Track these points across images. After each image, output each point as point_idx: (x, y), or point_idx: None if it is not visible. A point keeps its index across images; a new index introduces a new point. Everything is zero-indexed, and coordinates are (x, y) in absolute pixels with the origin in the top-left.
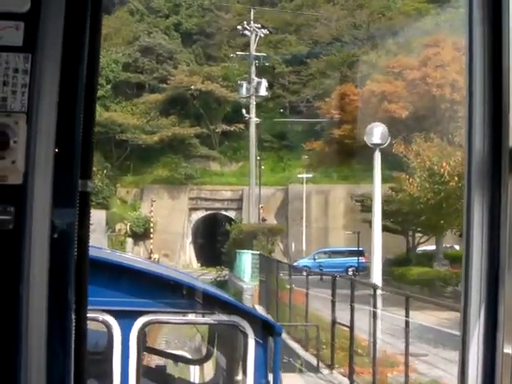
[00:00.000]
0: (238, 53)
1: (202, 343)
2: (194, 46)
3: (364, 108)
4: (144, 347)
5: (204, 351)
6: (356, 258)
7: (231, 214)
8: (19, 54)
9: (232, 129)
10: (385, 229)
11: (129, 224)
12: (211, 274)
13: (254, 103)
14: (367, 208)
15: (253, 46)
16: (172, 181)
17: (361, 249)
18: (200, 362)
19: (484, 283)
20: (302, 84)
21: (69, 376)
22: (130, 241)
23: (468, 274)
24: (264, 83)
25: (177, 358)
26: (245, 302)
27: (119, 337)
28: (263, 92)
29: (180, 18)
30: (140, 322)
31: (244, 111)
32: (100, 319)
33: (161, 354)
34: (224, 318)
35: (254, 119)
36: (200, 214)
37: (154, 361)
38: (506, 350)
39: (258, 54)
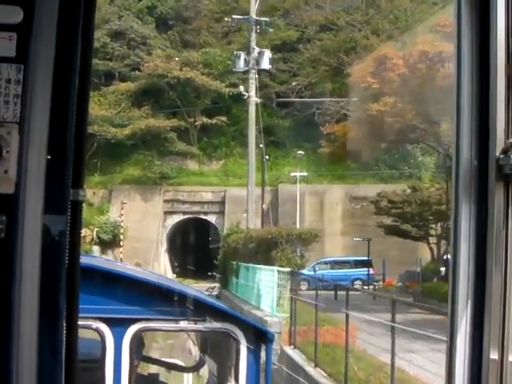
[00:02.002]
0: (234, 16)
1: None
2: (170, 32)
3: (415, 75)
4: (140, 355)
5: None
6: (362, 269)
7: (211, 219)
8: (12, 65)
9: (214, 121)
10: (401, 234)
11: (95, 230)
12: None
13: (255, 77)
14: (382, 210)
15: (254, 7)
16: (145, 181)
17: (369, 258)
18: (193, 369)
19: (471, 290)
20: (292, 73)
21: (60, 382)
22: (96, 249)
23: (455, 281)
24: (267, 54)
25: (170, 366)
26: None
27: (112, 344)
28: (266, 65)
29: (154, 1)
30: (133, 329)
31: (242, 88)
32: (93, 327)
33: (154, 362)
34: (217, 325)
35: (253, 99)
36: (176, 218)
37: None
38: (492, 356)
39: (259, 18)
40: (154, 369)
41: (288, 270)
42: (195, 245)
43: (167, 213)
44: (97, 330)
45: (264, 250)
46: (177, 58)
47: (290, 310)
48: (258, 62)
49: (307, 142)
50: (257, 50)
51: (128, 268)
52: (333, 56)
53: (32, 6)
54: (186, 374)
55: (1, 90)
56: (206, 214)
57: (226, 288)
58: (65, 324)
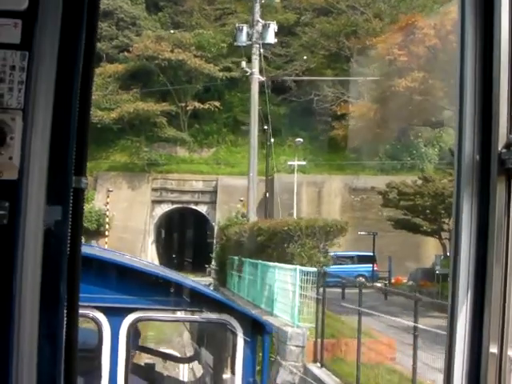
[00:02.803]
0: None
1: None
2: (161, 14)
3: (447, 47)
4: (136, 345)
5: (192, 349)
6: (366, 266)
7: (202, 209)
8: (16, 52)
9: (206, 107)
10: (411, 228)
11: None
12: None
13: (260, 52)
14: (391, 202)
15: None
16: (132, 168)
17: (373, 254)
18: (189, 360)
19: (471, 285)
20: (289, 57)
21: (59, 371)
22: None
23: (456, 275)
24: (273, 27)
25: (166, 357)
26: (288, 356)
27: (109, 333)
28: (271, 38)
29: None
30: (130, 318)
31: (244, 64)
32: (90, 316)
33: (150, 352)
34: (214, 316)
35: (256, 75)
36: (165, 207)
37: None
38: (491, 350)
39: None
40: (150, 359)
41: (314, 269)
42: (184, 236)
43: (155, 202)
44: (94, 319)
45: (277, 245)
46: (171, 32)
47: (315, 319)
48: (262, 36)
49: (304, 130)
50: (261, 22)
51: (126, 258)
52: (333, 40)
53: None
54: (181, 365)
55: (5, 76)
56: (196, 203)
57: (224, 286)
58: (65, 312)
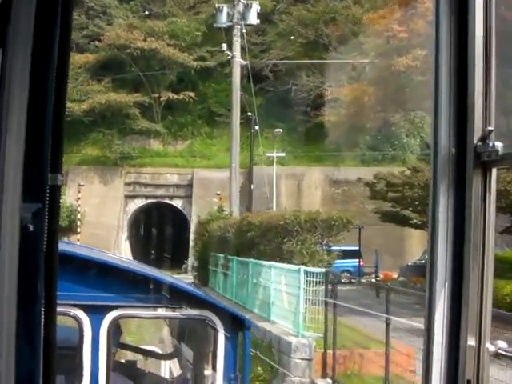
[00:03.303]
0: None
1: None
2: (133, 3)
3: None
4: (117, 343)
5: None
6: (351, 261)
7: (177, 203)
8: None
9: (180, 97)
10: (400, 221)
11: None
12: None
13: (241, 33)
14: (378, 194)
15: None
16: (104, 161)
17: (358, 248)
18: (170, 356)
19: (448, 278)
20: (265, 45)
21: (38, 370)
22: None
23: (433, 268)
24: (255, 7)
25: (147, 353)
26: (292, 370)
27: (89, 331)
28: (253, 19)
29: None
30: (110, 316)
31: (224, 46)
32: (71, 314)
33: (131, 349)
34: (194, 312)
35: (238, 59)
36: (139, 202)
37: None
38: (469, 343)
39: None
40: (130, 356)
41: (320, 270)
42: (159, 232)
43: (128, 197)
44: (74, 317)
45: (271, 241)
46: (144, 19)
47: (324, 327)
48: (244, 16)
49: (281, 122)
50: (243, 2)
51: (106, 255)
52: (311, 28)
53: None
54: (162, 362)
55: None
56: (171, 198)
57: (206, 285)
58: (43, 311)
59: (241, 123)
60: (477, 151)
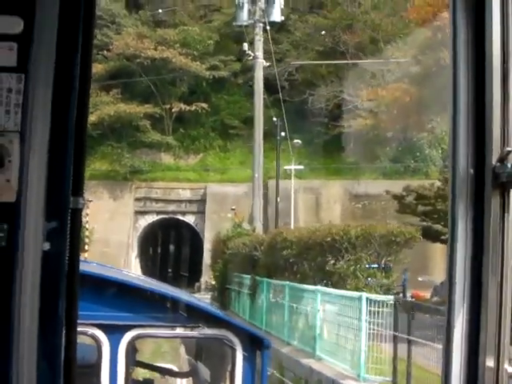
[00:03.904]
0: None
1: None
2: (142, 12)
3: None
4: (134, 361)
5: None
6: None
7: (190, 220)
8: (12, 75)
9: (193, 108)
10: (432, 236)
11: None
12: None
13: (263, 32)
14: (408, 207)
15: None
16: (113, 176)
17: (388, 265)
18: (188, 375)
19: (467, 298)
20: (281, 54)
21: None
22: None
23: (451, 289)
24: (279, 2)
25: (164, 372)
26: None
27: (108, 351)
28: (277, 16)
29: None
30: (129, 335)
31: (246, 46)
32: (89, 333)
33: (148, 367)
34: (212, 331)
35: (260, 60)
36: (149, 218)
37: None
38: (488, 364)
39: None
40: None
41: (388, 297)
42: (170, 250)
43: (139, 212)
44: (93, 337)
45: (313, 261)
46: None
47: (392, 369)
48: (266, 13)
49: (298, 133)
50: None
51: (124, 274)
52: (328, 35)
53: (32, 16)
54: (179, 380)
55: (2, 99)
56: (183, 214)
57: (227, 308)
58: (64, 330)
59: (249, 136)
60: (495, 172)
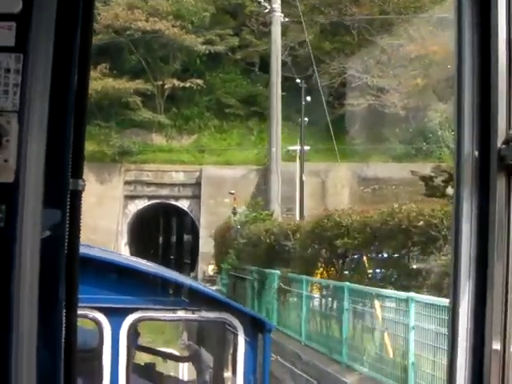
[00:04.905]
0: None
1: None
2: None
3: None
4: (136, 345)
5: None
6: None
7: (184, 205)
8: (11, 54)
9: (187, 85)
10: None
11: None
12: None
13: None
14: (437, 190)
15: None
16: (101, 157)
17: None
18: (189, 359)
19: (472, 282)
20: (282, 28)
21: (59, 372)
22: None
23: (456, 272)
24: None
25: (166, 356)
26: None
27: (109, 334)
28: None
29: None
30: (130, 319)
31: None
32: (90, 316)
33: (150, 352)
34: (214, 314)
35: (278, 13)
36: (140, 203)
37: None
38: (494, 347)
39: None
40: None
41: None
42: (163, 237)
43: (128, 197)
44: (94, 320)
45: (394, 252)
46: None
47: None
48: None
49: (300, 112)
50: None
51: (125, 258)
52: (334, 8)
53: None
54: (181, 364)
55: (0, 79)
56: (176, 198)
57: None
58: (64, 314)
59: (253, 115)
60: (500, 154)
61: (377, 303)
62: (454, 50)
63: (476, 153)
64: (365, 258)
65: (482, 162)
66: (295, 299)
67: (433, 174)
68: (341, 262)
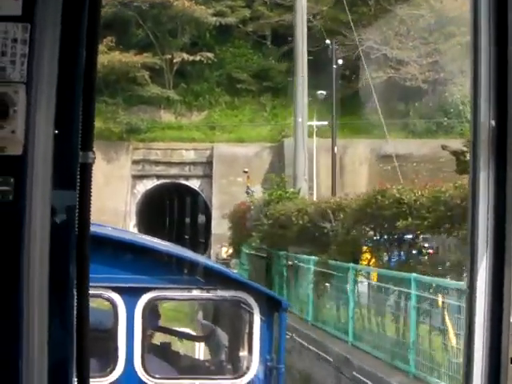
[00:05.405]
0: None
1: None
2: None
3: None
4: (155, 325)
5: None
6: None
7: (194, 184)
8: (18, 24)
9: (197, 59)
10: None
11: None
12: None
13: None
14: (468, 165)
15: None
16: (108, 135)
17: None
18: (204, 338)
19: (489, 254)
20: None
21: (71, 353)
22: None
23: (474, 244)
24: None
25: (182, 335)
26: None
27: (124, 313)
28: None
29: None
30: (145, 298)
31: None
32: (105, 296)
33: (166, 331)
34: (229, 293)
35: None
36: (148, 183)
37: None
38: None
39: None
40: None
41: None
42: (172, 219)
43: (136, 177)
44: (108, 300)
45: None
46: None
47: None
48: None
49: (315, 88)
50: None
51: (139, 237)
52: None
53: None
54: (197, 343)
55: (7, 49)
56: (186, 178)
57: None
58: (75, 293)
59: (266, 91)
60: None
61: (449, 301)
62: (470, 21)
63: (493, 122)
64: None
65: (499, 131)
66: (337, 291)
67: (465, 149)
68: (396, 246)
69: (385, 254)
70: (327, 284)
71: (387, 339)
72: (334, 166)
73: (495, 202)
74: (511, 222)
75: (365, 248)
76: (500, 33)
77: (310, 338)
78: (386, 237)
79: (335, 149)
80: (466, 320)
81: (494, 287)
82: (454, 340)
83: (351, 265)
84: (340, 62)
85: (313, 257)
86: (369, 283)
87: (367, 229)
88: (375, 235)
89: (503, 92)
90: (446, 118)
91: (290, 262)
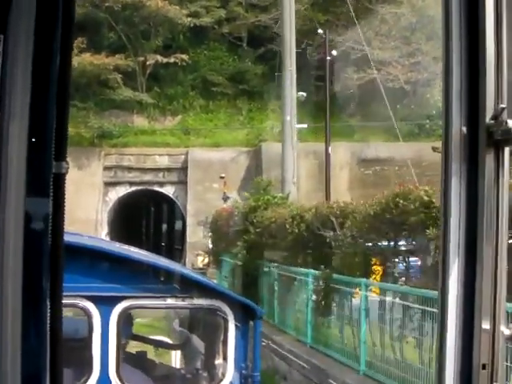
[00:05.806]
0: None
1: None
2: None
3: None
4: (129, 334)
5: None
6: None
7: (169, 191)
8: None
9: (171, 61)
10: None
11: None
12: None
13: None
14: None
15: None
16: (78, 141)
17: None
18: (180, 347)
19: (461, 260)
20: (266, 1)
21: (44, 363)
22: None
23: (445, 251)
24: None
25: (158, 344)
26: None
27: (99, 323)
28: None
29: None
30: (120, 307)
31: None
32: (79, 305)
33: (142, 340)
34: (204, 301)
35: None
36: (121, 190)
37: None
38: (484, 326)
39: None
40: (141, 347)
41: None
42: (146, 227)
43: (109, 184)
44: (83, 309)
45: None
46: None
47: None
48: None
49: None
50: None
51: (115, 246)
52: None
53: None
54: (173, 352)
55: None
56: (161, 184)
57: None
58: (49, 303)
59: (242, 94)
60: (489, 130)
61: None
62: (442, 24)
63: (464, 129)
64: None
65: (471, 137)
66: (343, 310)
67: None
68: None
69: (400, 265)
70: (330, 301)
71: (408, 368)
72: (328, 168)
73: (467, 210)
74: (482, 230)
75: (374, 260)
76: (471, 39)
77: (312, 363)
78: (412, 246)
79: (328, 150)
80: (438, 326)
81: (466, 293)
82: None
83: (363, 280)
84: (334, 52)
85: (312, 270)
86: (381, 300)
87: (383, 238)
88: (395, 245)
89: (474, 98)
90: (428, 121)
91: (279, 276)
